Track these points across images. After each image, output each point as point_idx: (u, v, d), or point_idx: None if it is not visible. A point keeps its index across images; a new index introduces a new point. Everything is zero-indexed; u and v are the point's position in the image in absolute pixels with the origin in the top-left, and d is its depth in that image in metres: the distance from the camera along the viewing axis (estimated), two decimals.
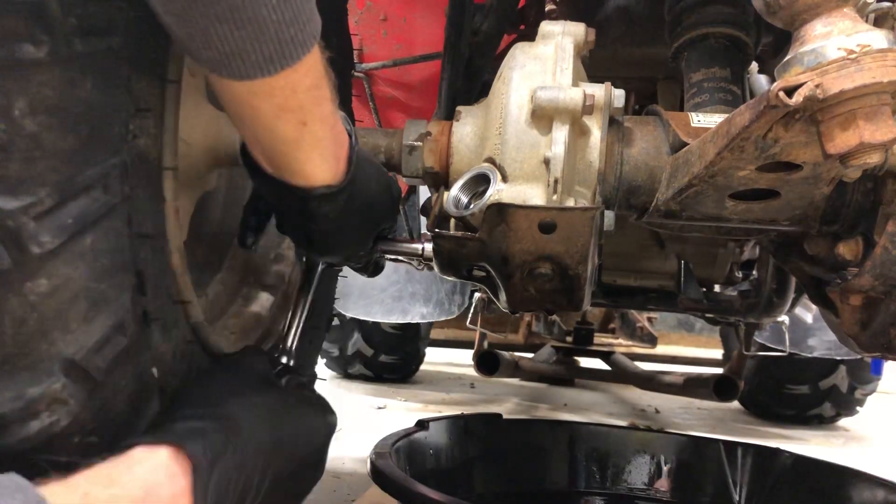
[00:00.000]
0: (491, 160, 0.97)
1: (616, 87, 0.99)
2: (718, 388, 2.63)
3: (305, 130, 0.75)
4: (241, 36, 0.65)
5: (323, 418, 0.91)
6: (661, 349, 4.02)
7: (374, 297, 2.85)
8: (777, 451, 1.58)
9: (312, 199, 0.81)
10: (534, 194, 0.94)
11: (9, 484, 0.55)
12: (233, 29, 0.64)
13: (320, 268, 1.07)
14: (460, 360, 4.00)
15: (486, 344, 2.99)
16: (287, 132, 0.75)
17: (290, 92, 0.72)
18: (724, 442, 1.63)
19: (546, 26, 1.04)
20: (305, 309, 1.06)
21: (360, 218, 0.90)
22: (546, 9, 1.51)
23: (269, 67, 0.68)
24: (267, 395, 0.83)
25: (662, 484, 1.63)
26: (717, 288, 2.06)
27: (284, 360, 1.01)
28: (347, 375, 3.43)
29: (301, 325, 1.05)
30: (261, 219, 1.02)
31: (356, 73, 2.01)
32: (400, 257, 1.06)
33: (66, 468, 0.62)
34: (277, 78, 0.69)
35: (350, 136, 0.84)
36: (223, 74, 0.69)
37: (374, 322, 3.06)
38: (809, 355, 2.75)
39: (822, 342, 2.71)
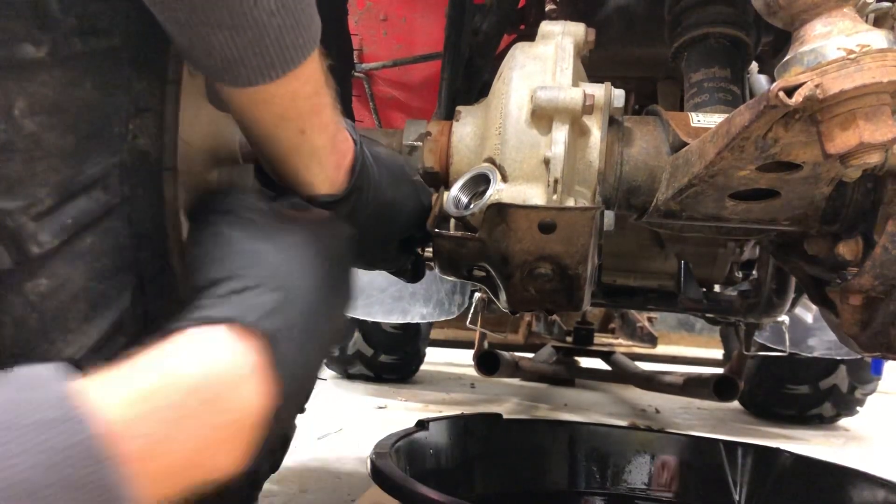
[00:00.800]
0: (491, 160, 0.97)
1: (616, 87, 0.99)
2: (718, 388, 2.62)
3: (304, 139, 0.75)
4: (242, 42, 0.65)
5: (344, 230, 0.79)
6: (661, 349, 4.02)
7: (374, 297, 2.85)
8: (777, 451, 1.58)
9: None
10: (534, 194, 0.94)
11: (29, 377, 0.49)
12: (233, 35, 0.64)
13: None
14: (460, 360, 4.00)
15: (486, 344, 2.99)
16: (286, 140, 0.75)
17: (290, 100, 0.71)
18: (725, 442, 1.63)
19: (546, 26, 1.04)
20: None
21: (371, 226, 0.88)
22: (546, 9, 1.51)
23: (271, 73, 0.68)
24: (288, 233, 0.70)
25: (662, 484, 1.63)
26: (717, 288, 2.06)
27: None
28: (348, 375, 3.43)
29: None
30: None
31: (356, 73, 2.01)
32: None
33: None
34: (277, 86, 0.69)
35: (356, 143, 0.84)
36: (225, 82, 0.69)
37: (374, 322, 3.06)
38: (809, 355, 2.75)
39: (823, 342, 2.71)
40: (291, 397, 0.62)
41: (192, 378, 0.54)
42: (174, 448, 0.52)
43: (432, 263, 1.01)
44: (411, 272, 1.08)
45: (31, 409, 0.46)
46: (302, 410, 0.89)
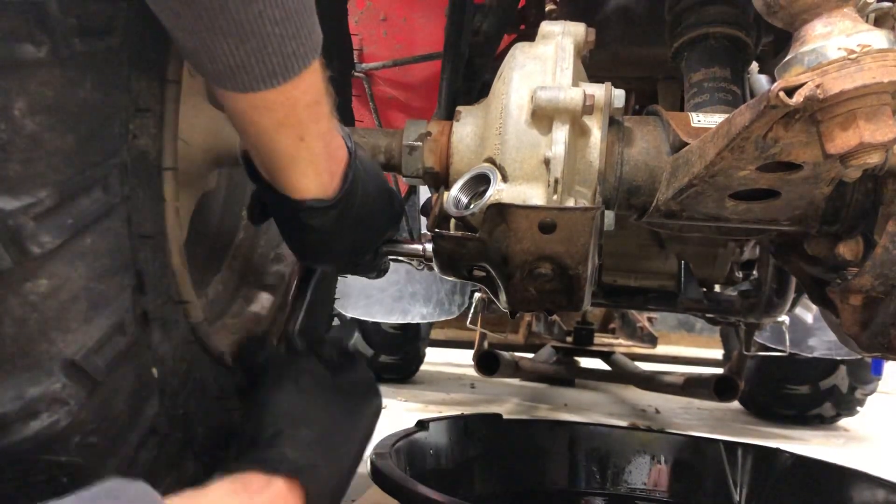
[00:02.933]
0: (491, 160, 0.97)
1: (616, 87, 0.99)
2: (719, 389, 2.62)
3: (302, 146, 0.77)
4: (245, 50, 0.67)
5: (376, 401, 0.98)
6: (661, 349, 4.02)
7: (374, 298, 2.85)
8: (777, 451, 1.58)
9: (304, 210, 0.83)
10: (534, 194, 0.94)
11: (138, 494, 0.61)
12: (237, 43, 0.66)
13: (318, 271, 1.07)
14: (460, 361, 4.00)
15: (486, 344, 2.99)
16: (285, 146, 0.77)
17: (290, 108, 0.73)
18: (725, 442, 1.63)
19: (546, 26, 1.04)
20: (303, 309, 1.06)
21: (355, 231, 0.90)
22: (546, 9, 1.51)
23: (272, 80, 0.70)
24: (339, 403, 0.89)
25: (662, 484, 1.64)
26: (717, 288, 2.06)
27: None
28: None
29: (299, 322, 1.05)
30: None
31: (356, 73, 2.01)
32: (400, 257, 1.06)
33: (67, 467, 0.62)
34: (278, 93, 0.71)
35: (350, 152, 0.85)
36: (227, 87, 0.71)
37: (374, 322, 3.06)
38: (810, 355, 2.75)
39: (823, 342, 2.71)
40: None
41: None
42: None
43: (433, 263, 1.01)
44: (377, 272, 1.09)
45: None
46: None
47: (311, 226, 0.84)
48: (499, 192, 0.94)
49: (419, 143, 1.05)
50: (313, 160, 0.79)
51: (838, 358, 2.82)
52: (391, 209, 0.98)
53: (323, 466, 0.80)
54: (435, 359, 3.96)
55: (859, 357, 2.80)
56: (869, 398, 3.13)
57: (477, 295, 2.52)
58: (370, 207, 0.91)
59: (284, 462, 0.77)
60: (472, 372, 3.07)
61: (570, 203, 0.94)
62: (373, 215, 0.93)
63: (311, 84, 0.74)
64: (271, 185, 0.82)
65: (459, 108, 1.06)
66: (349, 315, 2.93)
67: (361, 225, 0.90)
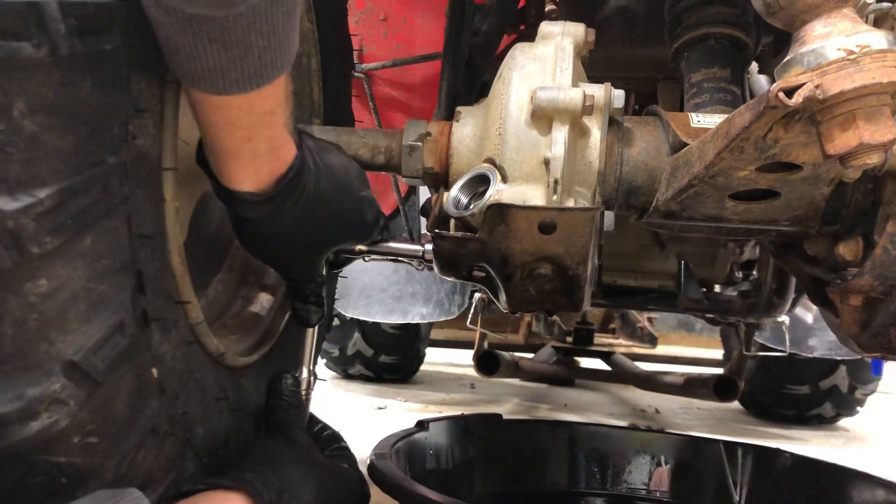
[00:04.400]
0: (491, 161, 0.97)
1: (616, 87, 0.99)
2: (719, 389, 2.62)
3: (247, 145, 0.80)
4: (227, 56, 0.69)
5: (359, 489, 1.02)
6: (661, 349, 4.01)
7: (374, 298, 2.85)
8: (777, 451, 1.58)
9: (237, 202, 0.85)
10: (534, 195, 0.94)
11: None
12: (220, 49, 0.68)
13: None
14: (460, 361, 4.00)
15: (486, 344, 2.98)
16: (229, 143, 0.79)
17: (246, 112, 0.76)
18: (725, 442, 1.63)
19: (546, 27, 1.04)
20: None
21: (297, 233, 0.91)
22: (546, 9, 1.52)
23: (245, 86, 0.72)
24: (314, 468, 0.94)
25: (663, 484, 1.63)
26: (717, 288, 2.06)
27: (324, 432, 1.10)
28: (347, 376, 3.43)
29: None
30: None
31: (356, 74, 2.01)
32: (400, 258, 1.06)
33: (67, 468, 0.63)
34: (241, 99, 0.74)
35: (297, 156, 0.86)
36: (201, 88, 0.72)
37: (374, 322, 3.06)
38: (810, 355, 2.75)
39: (823, 342, 2.70)
40: None
41: None
42: None
43: (432, 264, 1.01)
44: (313, 308, 1.06)
45: None
46: None
47: (245, 218, 0.87)
48: (498, 192, 0.94)
49: (419, 144, 1.06)
50: (254, 158, 0.81)
51: (838, 358, 2.81)
52: (357, 218, 0.98)
53: (277, 492, 0.84)
54: (435, 359, 3.96)
55: (859, 357, 2.80)
56: (869, 398, 3.13)
57: (477, 295, 2.52)
58: (322, 213, 0.92)
59: (241, 480, 0.83)
60: (472, 372, 3.07)
61: (570, 203, 0.94)
62: (325, 221, 0.93)
63: (273, 94, 0.76)
64: (216, 175, 0.84)
65: (459, 108, 1.06)
66: (349, 315, 2.93)
67: (308, 227, 0.91)
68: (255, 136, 0.79)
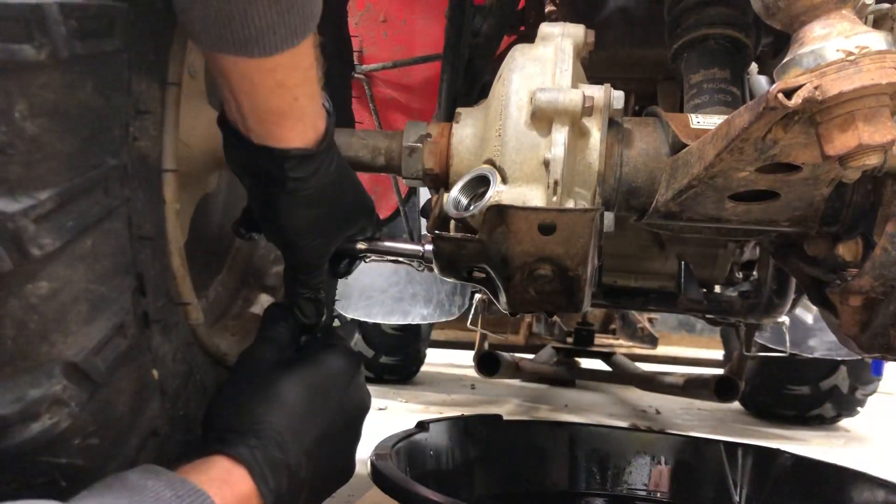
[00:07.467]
0: (491, 162, 0.97)
1: (616, 88, 0.99)
2: (719, 389, 2.62)
3: (295, 105, 0.81)
4: (277, 9, 0.71)
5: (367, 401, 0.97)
6: (661, 350, 4.01)
7: (374, 299, 2.85)
8: (777, 451, 1.58)
9: (289, 159, 0.84)
10: (533, 196, 0.94)
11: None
12: (270, 4, 0.70)
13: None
14: (461, 362, 4.00)
15: (486, 345, 2.99)
16: (278, 105, 0.80)
17: (291, 69, 0.77)
18: (725, 443, 1.63)
19: (545, 28, 1.04)
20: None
21: (329, 203, 0.91)
22: (546, 10, 1.52)
23: (293, 39, 0.74)
24: (300, 383, 0.87)
25: (663, 485, 1.64)
26: (717, 289, 2.06)
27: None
28: None
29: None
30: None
31: (356, 75, 2.01)
32: (400, 259, 1.06)
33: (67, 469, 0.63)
34: (290, 55, 0.75)
35: (328, 112, 0.89)
36: (253, 53, 0.73)
37: (374, 323, 3.06)
38: (810, 356, 2.75)
39: (823, 343, 2.70)
40: None
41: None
42: None
43: (433, 265, 1.01)
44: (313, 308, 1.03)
45: None
46: None
47: (294, 178, 0.86)
48: (498, 193, 0.95)
49: (419, 145, 1.06)
50: (302, 116, 0.83)
51: (839, 358, 2.81)
52: (364, 194, 1.00)
53: (269, 453, 0.79)
54: (435, 360, 3.96)
55: (860, 358, 2.80)
56: (869, 398, 3.13)
57: (477, 296, 2.52)
58: (346, 179, 0.94)
59: (249, 454, 0.77)
60: (472, 373, 3.07)
61: (570, 204, 0.95)
62: (346, 188, 0.94)
63: (310, 48, 0.78)
64: (254, 143, 0.84)
65: (459, 109, 1.06)
66: (349, 316, 2.93)
67: (337, 190, 0.92)
68: (301, 94, 0.81)
